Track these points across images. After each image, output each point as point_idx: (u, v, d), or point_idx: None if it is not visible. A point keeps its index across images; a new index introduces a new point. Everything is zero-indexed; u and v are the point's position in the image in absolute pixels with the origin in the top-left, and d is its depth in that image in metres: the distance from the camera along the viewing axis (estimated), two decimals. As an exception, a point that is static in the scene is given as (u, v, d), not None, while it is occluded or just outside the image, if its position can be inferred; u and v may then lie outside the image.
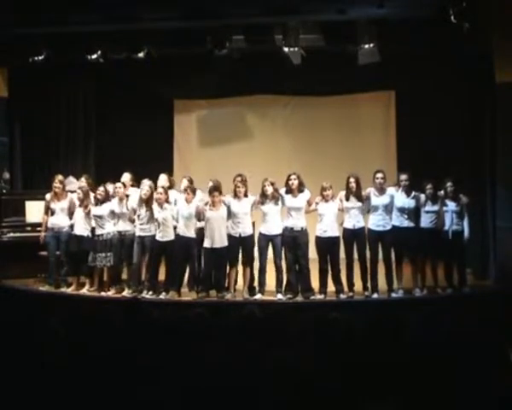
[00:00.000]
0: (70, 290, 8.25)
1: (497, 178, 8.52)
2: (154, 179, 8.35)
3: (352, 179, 7.74)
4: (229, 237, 7.76)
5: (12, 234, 9.21)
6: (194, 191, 7.97)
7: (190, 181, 8.29)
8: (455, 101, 9.52)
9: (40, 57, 9.14)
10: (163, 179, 8.40)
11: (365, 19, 8.36)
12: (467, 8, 7.52)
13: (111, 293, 8.12)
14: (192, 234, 7.88)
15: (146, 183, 8.09)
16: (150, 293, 7.92)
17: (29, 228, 9.12)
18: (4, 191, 9.80)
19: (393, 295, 7.78)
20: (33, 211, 9.09)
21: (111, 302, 7.71)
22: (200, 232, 7.90)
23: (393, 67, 9.53)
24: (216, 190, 7.75)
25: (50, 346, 3.86)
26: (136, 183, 8.40)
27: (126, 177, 8.57)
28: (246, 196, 7.80)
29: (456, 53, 8.84)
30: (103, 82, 10.70)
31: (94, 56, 9.11)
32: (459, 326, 4.21)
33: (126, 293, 8.02)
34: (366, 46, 8.54)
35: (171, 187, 8.39)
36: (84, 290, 8.20)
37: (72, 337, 4.04)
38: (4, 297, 7.24)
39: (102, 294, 8.11)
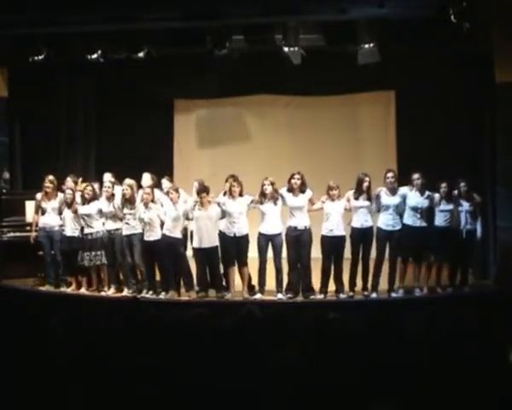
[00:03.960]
0: (70, 290, 8.26)
1: (497, 178, 8.53)
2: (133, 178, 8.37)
3: (367, 179, 7.72)
4: (224, 236, 7.77)
5: (12, 234, 9.22)
6: (177, 190, 7.94)
7: (171, 181, 8.29)
8: (455, 101, 9.52)
9: (40, 57, 9.13)
10: (146, 178, 8.39)
11: (365, 19, 8.36)
12: (467, 8, 7.51)
13: (111, 293, 8.12)
14: (178, 234, 7.88)
15: (126, 182, 8.10)
16: (150, 293, 7.93)
17: (29, 228, 9.10)
18: (4, 191, 9.81)
19: (393, 294, 7.78)
20: (33, 211, 9.08)
21: (111, 302, 7.73)
22: (184, 232, 7.92)
23: (393, 67, 9.51)
24: (204, 190, 7.76)
25: (50, 346, 3.86)
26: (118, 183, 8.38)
27: (108, 176, 8.56)
28: (241, 195, 7.79)
29: (456, 53, 8.84)
30: (103, 82, 10.70)
31: (94, 56, 9.10)
32: (459, 326, 4.21)
33: (126, 293, 8.03)
34: (366, 46, 8.54)
35: (154, 186, 8.35)
36: (84, 290, 8.20)
37: (72, 337, 4.04)
38: (4, 297, 7.23)
39: (102, 294, 8.12)
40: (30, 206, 9.18)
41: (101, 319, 4.60)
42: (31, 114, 10.47)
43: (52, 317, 4.37)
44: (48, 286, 8.36)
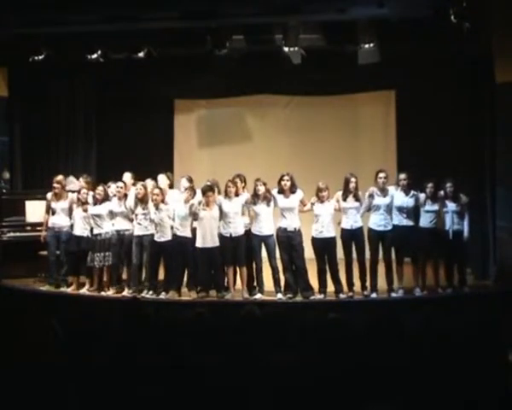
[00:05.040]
0: (70, 290, 8.25)
1: (497, 178, 8.53)
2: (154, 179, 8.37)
3: (353, 179, 7.73)
4: (221, 237, 7.76)
5: (12, 234, 9.20)
6: (194, 192, 7.97)
7: (190, 180, 8.28)
8: (455, 101, 9.52)
9: (40, 57, 9.13)
10: (162, 179, 8.40)
11: (365, 19, 8.36)
12: (467, 8, 7.51)
13: (111, 293, 8.11)
14: (188, 234, 7.87)
15: (146, 182, 8.10)
16: (150, 293, 7.92)
17: (29, 228, 9.12)
18: (4, 191, 9.81)
19: (393, 294, 7.78)
20: (33, 211, 9.09)
21: (111, 302, 7.72)
22: (194, 232, 7.92)
23: (393, 67, 9.52)
24: (210, 190, 7.75)
25: (50, 346, 3.86)
26: (138, 182, 8.38)
27: (127, 176, 8.57)
28: (237, 195, 7.79)
29: (456, 53, 8.84)
30: (103, 82, 10.69)
31: (94, 56, 9.10)
32: (459, 326, 4.21)
33: (126, 293, 8.02)
34: (366, 46, 8.55)
35: (171, 186, 8.38)
36: (84, 290, 8.20)
37: (72, 337, 4.04)
38: (4, 297, 7.23)
39: (102, 294, 8.10)
40: (30, 206, 9.19)
41: (101, 320, 4.60)
42: (31, 114, 10.47)
43: (52, 317, 4.38)
44: (48, 286, 8.36)
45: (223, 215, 7.75)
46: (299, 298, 7.71)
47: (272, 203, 7.79)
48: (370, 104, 10.88)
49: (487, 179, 8.77)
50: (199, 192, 8.02)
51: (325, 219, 7.71)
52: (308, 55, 8.91)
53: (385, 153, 10.58)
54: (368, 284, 7.79)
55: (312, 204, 7.77)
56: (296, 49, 8.71)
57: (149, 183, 8.20)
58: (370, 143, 10.77)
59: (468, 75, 9.08)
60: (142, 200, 7.93)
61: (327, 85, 10.46)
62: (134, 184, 8.36)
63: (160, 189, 8.00)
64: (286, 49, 8.70)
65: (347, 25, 8.55)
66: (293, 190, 7.77)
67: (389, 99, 10.79)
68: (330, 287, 7.79)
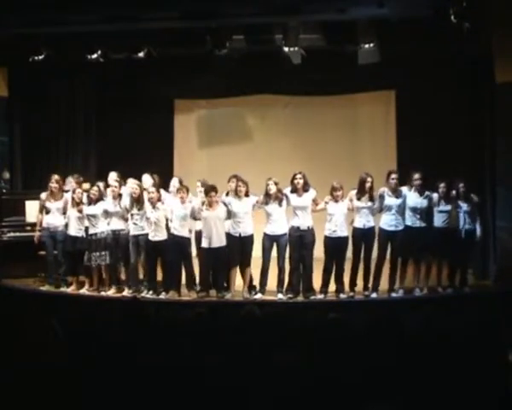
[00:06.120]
0: (70, 290, 8.26)
1: (497, 178, 8.53)
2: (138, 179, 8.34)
3: (369, 179, 7.71)
4: (229, 236, 7.75)
5: (12, 234, 9.20)
6: (187, 191, 7.96)
7: (181, 181, 8.28)
8: (455, 101, 9.52)
9: (40, 57, 9.14)
10: (146, 179, 8.35)
11: (365, 19, 8.36)
12: (467, 8, 7.51)
13: (111, 293, 8.11)
14: (186, 234, 7.88)
15: (133, 181, 8.08)
16: (150, 293, 7.92)
17: (29, 228, 9.11)
18: (4, 191, 9.81)
19: (393, 294, 7.78)
20: (33, 211, 9.07)
21: (111, 302, 7.73)
22: (200, 234, 7.91)
23: (393, 67, 9.52)
24: (212, 190, 7.75)
25: (50, 346, 3.86)
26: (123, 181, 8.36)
27: (113, 175, 8.50)
28: (247, 195, 7.79)
29: (456, 53, 8.85)
30: (103, 82, 10.70)
31: (94, 56, 9.11)
32: (459, 326, 4.21)
33: (126, 293, 8.02)
34: (366, 46, 8.55)
35: (157, 186, 8.32)
36: (84, 290, 8.20)
37: (72, 337, 4.05)
38: (4, 297, 7.23)
39: (102, 294, 8.11)
40: (30, 206, 9.18)
41: (101, 320, 4.60)
42: (31, 114, 10.47)
43: (52, 317, 4.38)
44: (48, 286, 8.36)
45: (232, 215, 7.74)
46: (299, 298, 7.71)
47: (285, 203, 7.77)
48: (370, 104, 10.88)
49: (487, 179, 8.77)
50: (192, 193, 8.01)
51: (339, 218, 7.69)
52: (308, 55, 8.91)
53: (385, 153, 10.58)
54: (370, 284, 7.79)
55: (326, 203, 7.75)
56: (296, 49, 8.71)
57: (131, 181, 8.13)
58: (370, 143, 10.77)
59: (468, 75, 9.09)
60: (137, 200, 7.92)
61: (327, 85, 10.46)
62: (120, 183, 8.31)
63: (155, 187, 7.99)
64: (286, 49, 8.71)
65: (347, 25, 8.55)
66: (305, 188, 7.75)
67: (389, 99, 10.79)
68: (330, 287, 7.79)
